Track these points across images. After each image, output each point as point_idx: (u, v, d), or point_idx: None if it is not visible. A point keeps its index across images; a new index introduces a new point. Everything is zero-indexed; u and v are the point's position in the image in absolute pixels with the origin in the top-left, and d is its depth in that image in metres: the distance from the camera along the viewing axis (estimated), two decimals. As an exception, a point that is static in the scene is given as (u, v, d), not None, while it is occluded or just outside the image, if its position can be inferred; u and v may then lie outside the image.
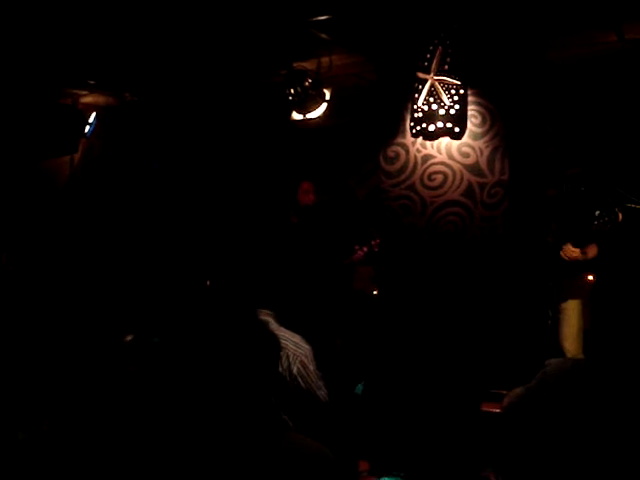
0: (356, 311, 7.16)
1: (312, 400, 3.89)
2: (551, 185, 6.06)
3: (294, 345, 4.01)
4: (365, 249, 6.78)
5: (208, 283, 7.09)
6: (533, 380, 3.40)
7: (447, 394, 4.79)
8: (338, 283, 6.86)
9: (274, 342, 2.73)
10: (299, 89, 6.93)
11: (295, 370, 3.86)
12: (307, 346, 4.01)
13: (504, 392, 3.88)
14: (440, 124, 5.95)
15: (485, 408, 5.04)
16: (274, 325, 5.81)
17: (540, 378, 3.35)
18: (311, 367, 3.94)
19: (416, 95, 6.04)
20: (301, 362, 3.89)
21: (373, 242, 6.74)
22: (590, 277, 6.09)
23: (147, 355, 1.65)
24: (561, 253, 5.73)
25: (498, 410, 3.65)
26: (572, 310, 5.92)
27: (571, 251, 5.69)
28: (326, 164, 8.24)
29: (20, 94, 7.73)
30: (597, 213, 5.30)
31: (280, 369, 3.76)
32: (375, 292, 7.30)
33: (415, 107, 6.07)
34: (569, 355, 5.80)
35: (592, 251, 5.70)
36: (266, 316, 6.11)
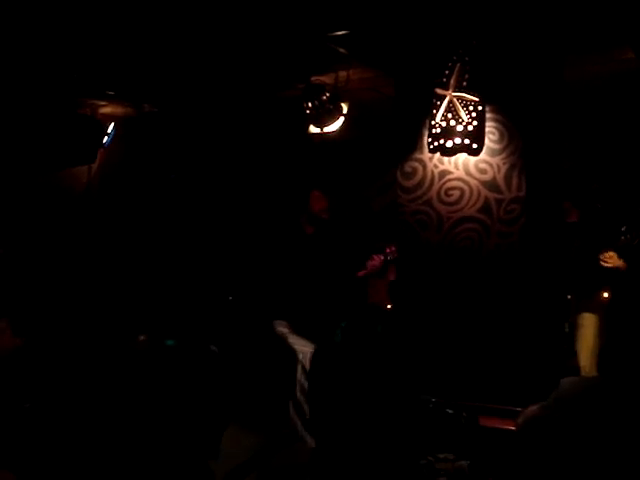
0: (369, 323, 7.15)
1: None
2: (569, 199, 6.04)
3: (308, 354, 4.03)
4: (382, 257, 6.76)
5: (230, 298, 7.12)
6: (548, 398, 3.39)
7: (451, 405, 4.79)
8: (352, 295, 6.86)
9: (291, 355, 2.77)
10: (317, 103, 6.95)
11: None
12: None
13: (519, 409, 3.87)
14: (458, 140, 5.97)
15: (500, 425, 5.06)
16: (290, 335, 5.84)
17: (555, 397, 3.34)
18: None
19: (434, 111, 6.07)
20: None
21: (388, 250, 6.73)
22: (606, 294, 6.05)
23: (159, 356, 1.67)
24: (600, 260, 5.63)
25: (513, 428, 3.64)
26: (589, 326, 5.86)
27: (609, 258, 5.61)
28: (343, 177, 8.25)
29: (40, 104, 7.79)
30: (623, 228, 5.30)
31: (297, 378, 3.78)
32: (389, 306, 7.30)
33: (433, 123, 6.09)
34: (584, 371, 5.77)
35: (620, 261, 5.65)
36: (282, 327, 6.16)
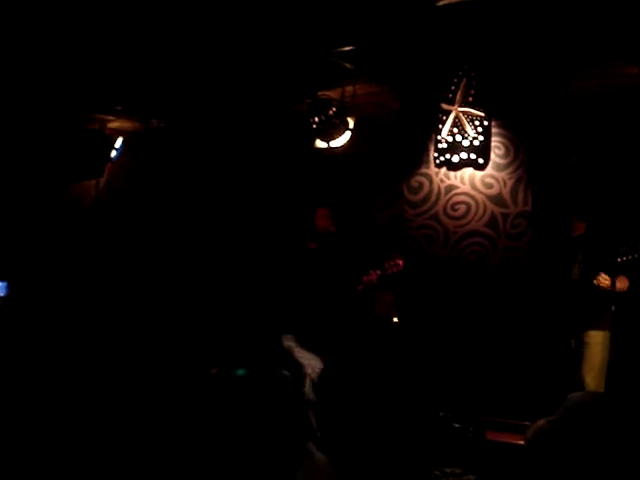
0: (376, 336, 7.17)
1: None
2: (576, 213, 6.03)
3: (316, 367, 4.05)
4: (378, 272, 6.77)
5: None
6: (556, 413, 3.40)
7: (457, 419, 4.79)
8: (357, 308, 6.88)
9: (297, 369, 2.79)
10: (323, 117, 6.98)
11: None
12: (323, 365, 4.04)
13: (527, 423, 3.88)
14: (464, 155, 6.01)
15: (509, 440, 5.06)
16: (297, 350, 5.87)
17: (563, 411, 3.35)
18: None
19: (440, 126, 6.11)
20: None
21: (386, 265, 6.74)
22: (613, 308, 6.02)
23: (235, 389, 1.65)
24: (594, 281, 5.62)
25: (520, 442, 3.66)
26: (596, 344, 5.77)
27: (603, 280, 5.60)
28: (348, 190, 8.28)
29: (49, 119, 7.85)
30: (622, 249, 5.29)
31: (304, 390, 3.80)
32: (395, 318, 7.31)
33: (439, 138, 6.13)
34: (589, 389, 5.72)
35: (623, 282, 5.62)
36: (289, 340, 6.18)
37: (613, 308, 5.95)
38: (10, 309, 7.73)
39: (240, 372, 1.62)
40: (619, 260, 5.32)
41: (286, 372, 1.80)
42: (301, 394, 2.98)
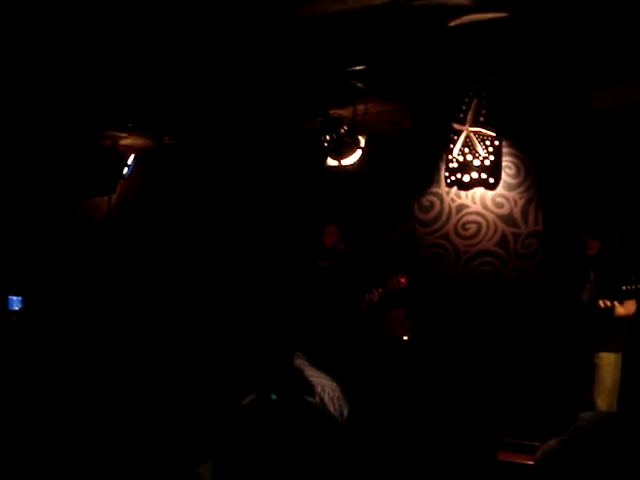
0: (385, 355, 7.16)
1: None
2: (588, 233, 6.02)
3: (327, 386, 4.04)
4: (380, 290, 6.77)
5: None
6: (566, 433, 3.39)
7: (465, 441, 4.79)
8: (364, 326, 6.89)
9: (307, 388, 2.81)
10: (335, 136, 7.02)
11: (330, 407, 3.89)
12: (335, 384, 4.04)
13: (537, 444, 3.87)
14: (475, 174, 6.03)
15: (518, 460, 5.05)
16: (307, 368, 5.85)
17: (574, 431, 3.34)
18: (338, 404, 3.96)
19: (451, 145, 6.13)
20: (330, 398, 3.92)
21: (389, 283, 6.74)
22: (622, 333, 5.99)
23: (273, 416, 1.62)
24: (600, 303, 5.61)
25: (531, 462, 3.65)
26: (607, 365, 5.76)
27: (603, 304, 5.59)
28: (359, 208, 8.31)
29: (62, 135, 7.92)
30: (632, 278, 5.30)
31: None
32: (405, 337, 7.30)
33: (450, 157, 6.15)
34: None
35: (630, 307, 5.61)
36: (300, 359, 6.17)
37: (625, 329, 5.94)
38: (25, 323, 7.78)
39: (274, 397, 1.61)
40: (624, 288, 5.33)
41: (311, 399, 1.79)
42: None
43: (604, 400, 5.66)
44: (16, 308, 7.95)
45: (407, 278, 6.84)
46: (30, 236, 8.14)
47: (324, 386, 4.04)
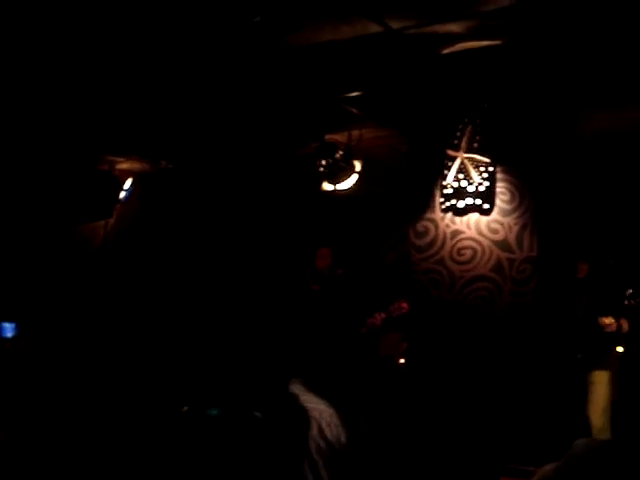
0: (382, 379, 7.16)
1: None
2: (581, 257, 6.06)
3: (324, 412, 4.02)
4: (383, 315, 6.77)
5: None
6: (561, 460, 3.40)
7: (468, 466, 4.78)
8: (362, 350, 6.88)
9: (302, 414, 2.83)
10: (330, 161, 7.05)
11: (327, 433, 3.88)
12: (332, 410, 4.03)
13: (532, 469, 3.87)
14: (469, 200, 6.05)
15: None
16: (303, 394, 5.84)
17: (569, 458, 3.35)
18: (336, 431, 3.96)
19: (446, 172, 6.17)
20: (327, 424, 3.91)
21: (391, 308, 6.74)
22: (620, 349, 6.04)
23: (205, 428, 1.66)
24: (606, 322, 5.65)
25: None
26: (600, 383, 5.84)
27: (605, 322, 5.63)
28: (355, 232, 8.32)
29: (59, 160, 7.93)
30: (629, 292, 5.32)
31: (312, 436, 3.78)
32: (402, 360, 7.30)
33: (445, 183, 6.19)
34: (595, 430, 5.73)
35: (626, 324, 5.66)
36: (296, 384, 6.15)
37: (620, 349, 5.98)
38: (19, 350, 7.75)
39: (212, 412, 1.65)
40: (627, 303, 5.36)
41: (258, 414, 1.83)
42: (305, 438, 2.97)
43: (599, 418, 5.72)
44: (9, 335, 7.90)
45: (408, 303, 6.84)
46: (24, 261, 8.13)
47: (322, 412, 4.03)
